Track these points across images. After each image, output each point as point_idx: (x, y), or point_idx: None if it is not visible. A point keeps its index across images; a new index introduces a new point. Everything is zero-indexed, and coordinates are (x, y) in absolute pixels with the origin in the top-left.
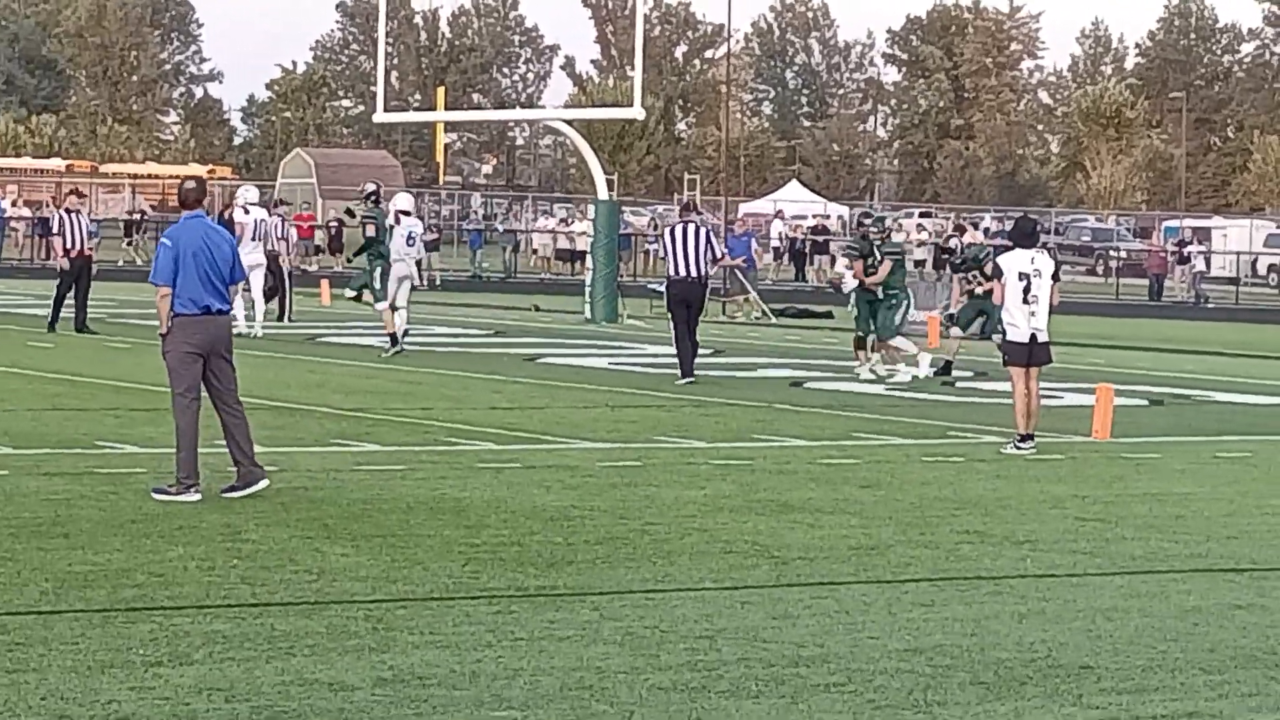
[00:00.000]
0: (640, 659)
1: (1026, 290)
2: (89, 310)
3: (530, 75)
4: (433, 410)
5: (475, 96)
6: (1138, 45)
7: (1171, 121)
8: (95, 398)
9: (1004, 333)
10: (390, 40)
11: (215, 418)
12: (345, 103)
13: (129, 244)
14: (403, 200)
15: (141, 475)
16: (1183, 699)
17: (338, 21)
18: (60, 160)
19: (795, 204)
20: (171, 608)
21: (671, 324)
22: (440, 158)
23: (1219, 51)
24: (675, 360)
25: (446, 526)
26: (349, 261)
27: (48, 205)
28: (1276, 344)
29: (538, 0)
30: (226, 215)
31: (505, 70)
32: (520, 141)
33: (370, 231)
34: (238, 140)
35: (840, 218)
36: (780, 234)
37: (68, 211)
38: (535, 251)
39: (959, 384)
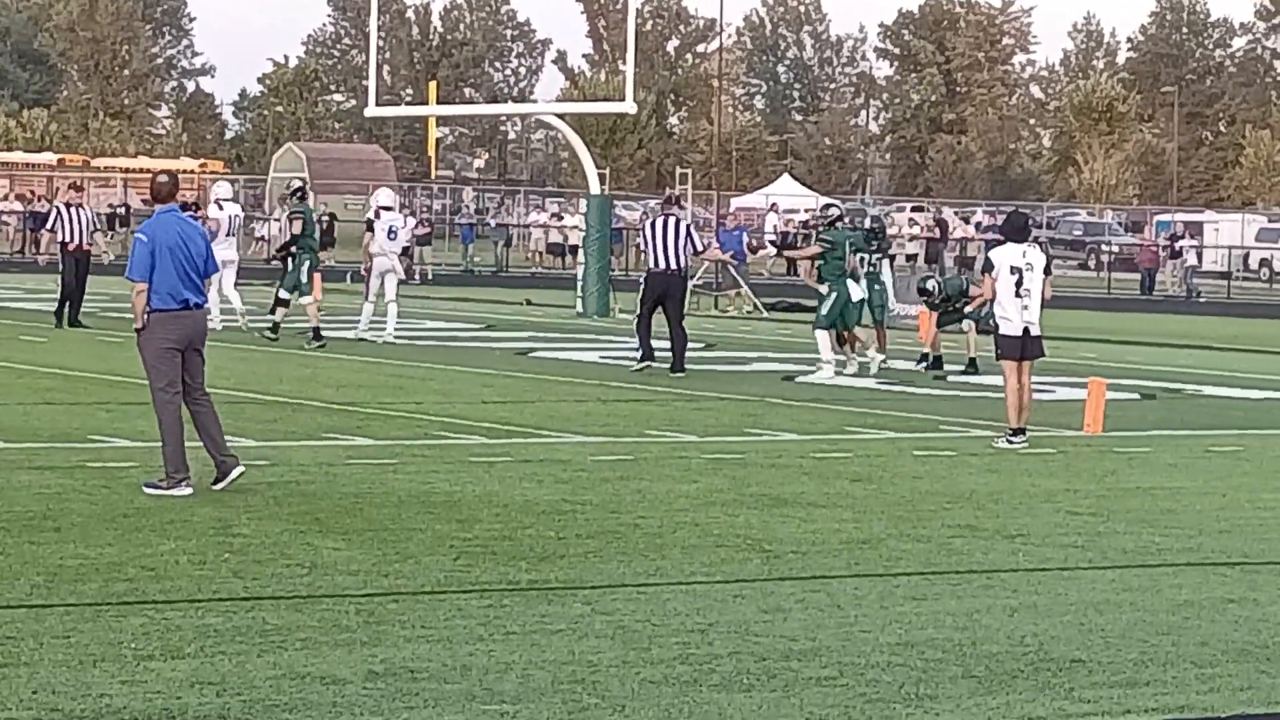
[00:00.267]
0: (632, 653)
1: (1019, 284)
2: (83, 304)
3: (522, 69)
4: (424, 404)
5: (467, 91)
6: (1129, 39)
7: (1163, 116)
8: (87, 392)
9: (997, 326)
10: (382, 34)
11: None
12: (337, 97)
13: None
14: (384, 195)
15: (133, 469)
16: (1174, 693)
17: (329, 15)
18: (52, 155)
19: (787, 198)
20: (163, 601)
21: (638, 312)
22: (432, 152)
23: (1211, 46)
24: (668, 353)
25: (438, 520)
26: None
27: (40, 199)
28: (1268, 338)
29: None
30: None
31: (497, 64)
32: (512, 136)
33: (297, 228)
34: (229, 135)
35: None
36: (774, 227)
37: (66, 205)
38: (533, 248)
39: (950, 378)
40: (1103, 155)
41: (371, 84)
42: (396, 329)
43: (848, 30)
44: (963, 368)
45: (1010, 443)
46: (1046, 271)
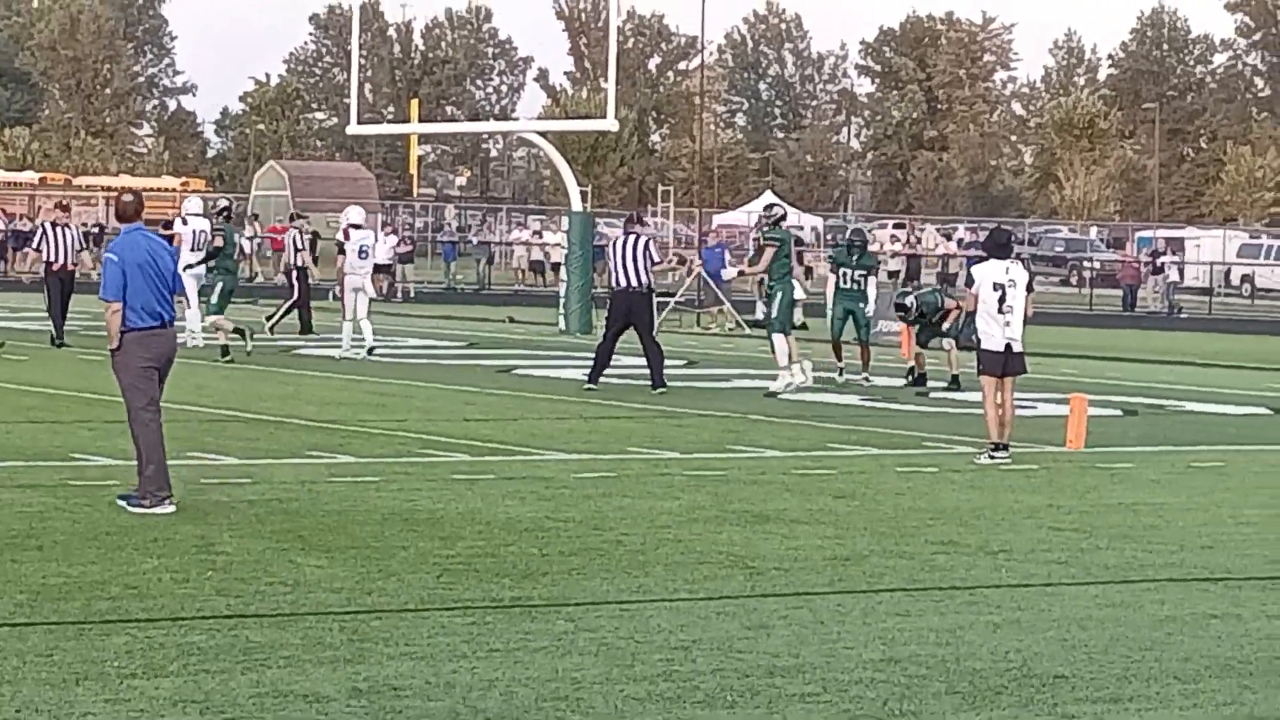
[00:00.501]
0: (615, 670)
1: (1001, 300)
2: (65, 324)
3: (504, 87)
4: (406, 422)
5: (449, 109)
6: (1110, 56)
7: (1144, 132)
8: (69, 410)
9: (979, 342)
10: (364, 52)
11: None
12: (319, 115)
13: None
14: (354, 214)
15: (116, 487)
16: (1157, 708)
17: (311, 34)
18: (33, 173)
19: None
20: (146, 620)
21: (605, 332)
22: (414, 170)
23: (1191, 62)
24: (645, 371)
25: (421, 538)
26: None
27: (21, 218)
28: (1249, 354)
29: (511, 12)
30: (165, 229)
31: (479, 82)
32: (494, 153)
33: (219, 242)
34: (211, 153)
35: (814, 229)
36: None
37: (53, 225)
38: (515, 266)
39: (933, 394)
40: (1084, 172)
41: (353, 102)
42: (376, 344)
43: (829, 47)
44: (945, 384)
45: (992, 458)
46: (1029, 288)
